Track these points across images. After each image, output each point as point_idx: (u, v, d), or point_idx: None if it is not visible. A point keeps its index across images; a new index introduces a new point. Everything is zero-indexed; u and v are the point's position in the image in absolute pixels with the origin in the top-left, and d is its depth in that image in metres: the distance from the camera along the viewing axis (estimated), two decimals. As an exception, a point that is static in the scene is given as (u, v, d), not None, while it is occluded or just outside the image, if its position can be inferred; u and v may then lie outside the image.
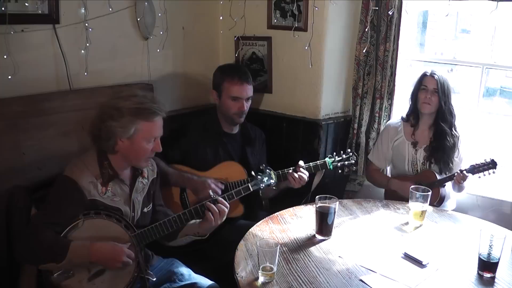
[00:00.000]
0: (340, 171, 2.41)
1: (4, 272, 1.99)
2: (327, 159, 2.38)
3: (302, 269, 1.72)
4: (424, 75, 2.57)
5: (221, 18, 3.10)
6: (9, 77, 2.16)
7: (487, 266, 1.69)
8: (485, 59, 2.86)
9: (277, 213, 2.18)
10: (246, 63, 3.12)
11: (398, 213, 2.24)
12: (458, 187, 2.49)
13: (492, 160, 2.38)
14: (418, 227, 2.09)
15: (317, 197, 1.95)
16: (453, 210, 2.56)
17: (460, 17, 3.17)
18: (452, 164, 2.54)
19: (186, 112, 3.02)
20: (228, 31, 3.10)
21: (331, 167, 2.37)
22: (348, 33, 2.93)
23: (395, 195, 2.56)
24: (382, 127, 2.91)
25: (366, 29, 2.79)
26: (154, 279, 1.89)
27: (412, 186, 2.14)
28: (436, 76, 2.52)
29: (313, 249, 1.87)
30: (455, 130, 2.56)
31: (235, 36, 3.10)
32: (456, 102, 2.64)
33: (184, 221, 1.91)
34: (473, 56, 2.99)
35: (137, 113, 1.76)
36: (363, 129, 3.00)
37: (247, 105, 2.44)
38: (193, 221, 1.95)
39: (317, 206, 1.94)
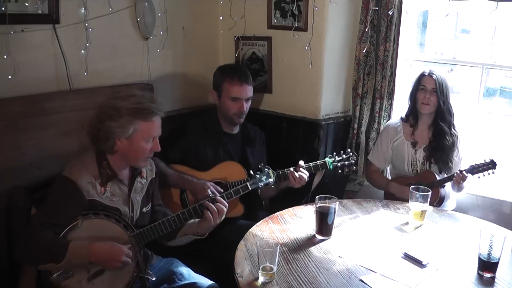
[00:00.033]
0: (340, 171, 2.41)
1: (4, 272, 1.99)
2: (327, 159, 2.38)
3: (302, 269, 1.72)
4: (422, 75, 2.57)
5: (221, 18, 3.10)
6: (9, 77, 2.16)
7: (487, 266, 1.68)
8: (485, 59, 2.86)
9: (277, 213, 2.18)
10: (246, 63, 3.12)
11: (398, 213, 2.24)
12: (458, 187, 2.49)
13: (492, 161, 2.38)
14: (418, 227, 2.09)
15: (317, 197, 1.95)
16: (453, 210, 2.56)
17: (460, 17, 3.17)
18: (452, 163, 2.54)
19: (186, 112, 3.02)
20: (228, 31, 3.10)
21: (331, 167, 2.37)
22: (348, 33, 2.93)
23: (395, 196, 2.56)
24: (382, 127, 2.91)
25: (366, 29, 2.79)
26: (154, 279, 1.89)
27: (412, 186, 2.14)
28: (434, 76, 2.52)
29: (313, 249, 1.87)
30: (454, 129, 2.56)
31: (235, 36, 3.10)
32: (456, 102, 2.65)
33: (183, 221, 1.91)
34: (473, 56, 2.99)
35: (136, 113, 1.76)
36: (363, 129, 3.00)
37: (246, 106, 2.44)
38: (192, 220, 1.95)
39: (317, 206, 1.94)
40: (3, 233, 1.97)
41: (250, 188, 2.09)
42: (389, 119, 2.93)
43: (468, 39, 3.22)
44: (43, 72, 2.32)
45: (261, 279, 1.63)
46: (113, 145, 1.79)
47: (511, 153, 2.85)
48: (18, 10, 2.15)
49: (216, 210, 1.90)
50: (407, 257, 1.81)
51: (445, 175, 2.55)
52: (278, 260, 1.66)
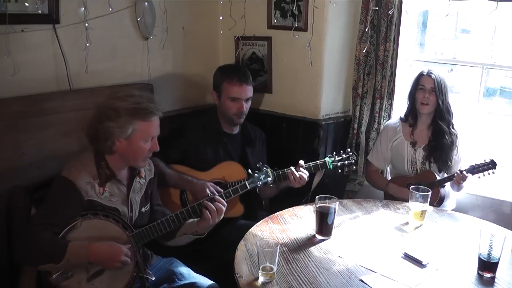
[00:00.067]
0: (340, 170, 2.41)
1: (4, 272, 1.99)
2: (327, 158, 2.38)
3: (302, 269, 1.72)
4: (421, 75, 2.58)
5: (221, 18, 3.10)
6: (9, 77, 2.16)
7: (487, 266, 1.68)
8: (485, 59, 2.86)
9: (277, 213, 2.18)
10: (246, 63, 3.12)
11: (398, 213, 2.24)
12: (458, 187, 2.49)
13: (492, 161, 2.38)
14: (418, 227, 2.09)
15: (317, 197, 1.95)
16: (453, 210, 2.56)
17: (460, 17, 3.17)
18: (451, 162, 2.55)
19: (186, 112, 3.02)
20: (228, 31, 3.10)
21: (331, 166, 2.37)
22: (348, 33, 2.93)
23: (394, 197, 2.56)
24: (382, 127, 2.91)
25: (366, 29, 2.79)
26: (153, 279, 1.89)
27: (412, 186, 2.14)
28: (433, 75, 2.53)
29: (313, 249, 1.87)
30: (453, 129, 2.57)
31: (235, 36, 3.10)
32: (456, 102, 2.65)
33: (182, 220, 1.92)
34: (473, 56, 2.99)
35: (134, 113, 1.76)
36: (363, 129, 3.00)
37: (246, 106, 2.44)
38: (191, 220, 1.95)
39: (317, 206, 1.94)
40: (3, 233, 1.98)
41: (248, 187, 2.09)
42: (389, 119, 2.94)
43: (468, 39, 3.22)
44: (43, 72, 2.32)
45: (261, 279, 1.63)
46: (112, 145, 1.79)
47: (511, 153, 2.85)
48: (18, 10, 2.15)
49: (215, 209, 1.90)
50: (407, 257, 1.81)
51: (445, 175, 2.55)
52: (278, 260, 1.66)
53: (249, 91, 2.43)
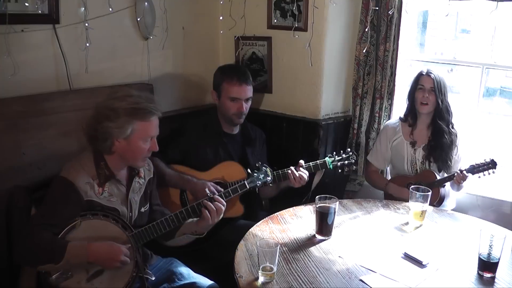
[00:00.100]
0: (340, 170, 2.41)
1: (4, 273, 1.99)
2: (327, 158, 2.38)
3: (302, 269, 1.72)
4: (420, 75, 2.58)
5: (221, 18, 3.10)
6: (9, 77, 2.16)
7: (487, 266, 1.68)
8: (485, 59, 2.86)
9: (277, 213, 2.18)
10: (246, 63, 3.12)
11: (398, 213, 2.23)
12: (458, 186, 2.49)
13: (492, 160, 2.38)
14: (418, 227, 2.09)
15: (317, 197, 1.95)
16: (453, 209, 2.56)
17: (460, 17, 3.17)
18: (451, 162, 2.55)
19: (186, 112, 3.02)
20: (228, 31, 3.10)
21: (331, 166, 2.37)
22: (348, 33, 2.93)
23: (394, 197, 2.56)
24: (382, 127, 2.91)
25: (366, 29, 2.79)
26: (153, 279, 1.89)
27: (412, 186, 2.14)
28: (432, 75, 2.53)
29: (313, 249, 1.87)
30: (453, 128, 2.57)
31: (235, 36, 3.10)
32: (456, 102, 2.65)
33: (181, 220, 1.92)
34: (473, 56, 2.99)
35: (133, 113, 1.76)
36: (363, 129, 3.01)
37: (246, 106, 2.44)
38: (191, 219, 1.95)
39: (317, 206, 1.94)
40: (3, 233, 1.98)
41: (248, 187, 2.09)
42: (389, 119, 2.94)
43: (468, 39, 3.22)
44: (43, 72, 2.32)
45: (261, 279, 1.63)
46: (111, 146, 1.79)
47: (511, 153, 2.85)
48: (18, 10, 2.16)
49: (214, 209, 1.90)
50: (407, 257, 1.81)
51: (445, 174, 2.55)
52: (278, 260, 1.65)
53: (249, 91, 2.43)
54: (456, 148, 2.57)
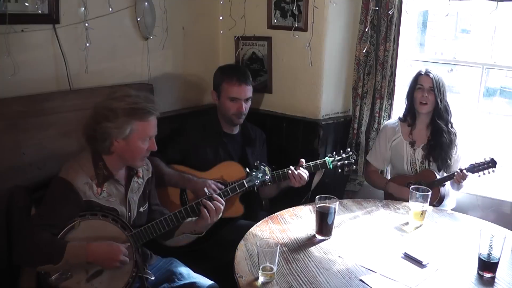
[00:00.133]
0: (340, 170, 2.41)
1: (4, 273, 1.99)
2: (327, 158, 2.37)
3: (302, 269, 1.72)
4: (419, 74, 2.58)
5: (221, 18, 3.10)
6: (9, 77, 2.16)
7: (487, 266, 1.68)
8: (485, 59, 2.86)
9: (277, 213, 2.18)
10: (246, 63, 3.12)
11: (398, 213, 2.23)
12: (458, 186, 2.49)
13: (492, 159, 2.38)
14: (418, 227, 2.09)
15: (317, 197, 1.95)
16: (453, 209, 2.56)
17: (460, 17, 3.17)
18: (451, 161, 2.55)
19: (186, 112, 3.02)
20: (228, 31, 3.10)
21: (331, 166, 2.37)
22: (348, 33, 2.93)
23: (394, 196, 2.56)
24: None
25: (366, 29, 2.79)
26: (153, 279, 1.89)
27: (412, 186, 2.14)
28: (431, 75, 2.53)
29: (313, 249, 1.87)
30: (452, 127, 2.57)
31: (235, 36, 3.10)
32: (456, 102, 2.65)
33: (180, 219, 1.92)
34: (473, 56, 2.99)
35: (132, 114, 1.76)
36: (363, 129, 3.01)
37: (246, 106, 2.44)
38: (190, 219, 1.95)
39: (317, 206, 1.94)
40: (3, 233, 1.97)
41: (246, 186, 2.09)
42: (389, 119, 2.94)
43: (468, 39, 3.22)
44: (43, 72, 2.32)
45: (261, 279, 1.63)
46: (110, 146, 1.79)
47: (511, 153, 2.85)
48: (18, 10, 2.16)
49: (213, 208, 1.90)
50: (407, 257, 1.81)
51: (445, 174, 2.55)
52: (278, 260, 1.65)
53: (248, 91, 2.43)
54: (455, 147, 2.57)
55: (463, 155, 2.60)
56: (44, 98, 2.26)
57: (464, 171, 2.39)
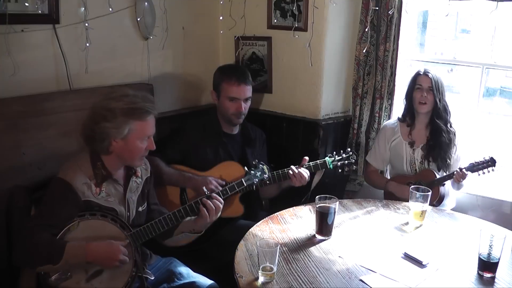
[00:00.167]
0: (340, 170, 2.41)
1: (4, 273, 1.98)
2: (327, 158, 2.37)
3: (302, 269, 1.72)
4: (417, 74, 2.58)
5: (221, 18, 3.10)
6: (9, 77, 2.16)
7: (487, 266, 1.68)
8: (485, 59, 2.86)
9: (277, 213, 2.18)
10: (246, 63, 3.12)
11: (398, 213, 2.23)
12: (458, 185, 2.49)
13: (491, 158, 2.38)
14: (418, 227, 2.09)
15: (317, 197, 1.95)
16: (453, 209, 2.56)
17: (460, 17, 3.17)
18: (450, 160, 2.55)
19: (186, 112, 3.02)
20: (228, 31, 3.10)
21: (331, 166, 2.36)
22: (348, 33, 2.93)
23: (394, 196, 2.56)
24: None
25: (366, 29, 2.79)
26: (153, 278, 1.90)
27: (412, 186, 2.14)
28: (430, 74, 2.53)
29: (313, 249, 1.87)
30: (451, 127, 2.57)
31: (235, 36, 3.10)
32: (456, 102, 2.65)
33: (179, 218, 1.92)
34: (473, 56, 2.99)
35: (130, 113, 1.76)
36: (363, 129, 3.01)
37: (245, 106, 2.44)
38: (189, 218, 1.95)
39: (317, 206, 1.94)
40: (3, 233, 1.97)
41: (245, 184, 2.09)
42: (389, 119, 2.94)
43: (468, 39, 3.22)
44: (43, 72, 2.32)
45: (261, 279, 1.63)
46: (108, 146, 1.79)
47: (511, 153, 2.85)
48: (18, 10, 2.16)
49: (213, 207, 1.90)
50: (407, 257, 1.81)
51: (444, 173, 2.55)
52: (278, 260, 1.65)
53: (247, 91, 2.43)
54: (455, 147, 2.57)
55: (462, 155, 2.60)
56: (44, 98, 2.26)
57: (464, 170, 2.40)
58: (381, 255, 1.83)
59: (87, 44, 2.43)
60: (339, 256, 1.82)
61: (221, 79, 2.43)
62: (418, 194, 2.08)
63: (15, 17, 2.13)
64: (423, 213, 2.10)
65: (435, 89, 2.51)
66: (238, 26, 3.04)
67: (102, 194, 1.81)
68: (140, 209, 1.95)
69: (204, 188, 2.01)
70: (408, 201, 2.15)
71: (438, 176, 2.52)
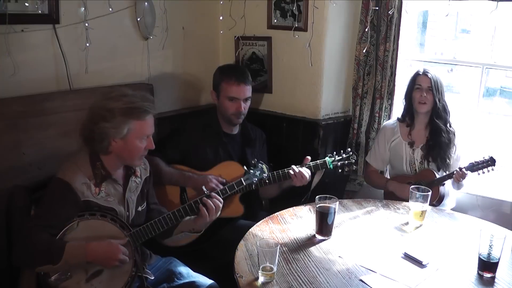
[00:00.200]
0: (340, 170, 2.40)
1: (4, 273, 1.98)
2: (327, 158, 2.37)
3: (302, 269, 1.72)
4: (417, 74, 2.58)
5: (221, 18, 3.10)
6: (9, 77, 2.16)
7: (487, 266, 1.68)
8: (485, 59, 2.86)
9: (277, 213, 2.18)
10: (246, 63, 3.12)
11: (398, 213, 2.23)
12: (458, 184, 2.49)
13: (491, 158, 2.38)
14: (418, 227, 2.09)
15: (317, 197, 1.95)
16: (453, 209, 2.56)
17: (460, 17, 3.18)
18: (449, 160, 2.55)
19: (186, 112, 3.02)
20: (228, 31, 3.10)
21: (331, 166, 2.36)
22: (348, 33, 2.93)
23: (394, 196, 2.56)
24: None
25: (366, 29, 2.79)
26: (152, 278, 1.90)
27: (412, 186, 2.14)
28: (429, 74, 2.54)
29: (313, 249, 1.87)
30: (450, 126, 2.57)
31: (235, 36, 3.10)
32: (456, 102, 2.65)
33: (179, 218, 1.92)
34: (473, 56, 2.99)
35: (129, 113, 1.76)
36: (363, 129, 3.01)
37: (245, 106, 2.43)
38: (188, 217, 1.95)
39: (317, 206, 1.94)
40: (3, 233, 1.97)
41: (244, 184, 2.09)
42: (389, 119, 2.94)
43: (468, 39, 3.22)
44: (43, 72, 2.32)
45: (261, 279, 1.63)
46: (108, 146, 1.78)
47: (511, 153, 2.85)
48: (18, 10, 2.15)
49: (213, 206, 1.91)
50: (407, 257, 1.81)
51: (444, 173, 2.55)
52: (278, 260, 1.65)
53: (247, 91, 2.43)
54: (454, 146, 2.57)
55: (462, 154, 2.60)
56: (44, 98, 2.26)
57: (464, 169, 2.40)
58: (381, 255, 1.83)
59: (87, 44, 2.43)
60: (339, 256, 1.82)
61: (221, 79, 2.43)
62: (418, 194, 2.08)
63: (15, 17, 2.13)
64: (423, 213, 2.10)
65: (434, 89, 2.52)
66: (238, 26, 3.04)
67: (101, 194, 1.81)
68: (139, 208, 1.95)
69: (203, 187, 2.01)
70: (408, 201, 2.15)
71: (438, 176, 2.52)
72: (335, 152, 2.39)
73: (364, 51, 2.85)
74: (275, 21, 2.96)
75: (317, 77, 2.90)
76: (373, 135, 2.97)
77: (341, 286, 1.62)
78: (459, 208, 2.64)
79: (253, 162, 2.17)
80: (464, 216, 2.26)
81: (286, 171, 2.30)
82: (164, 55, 2.89)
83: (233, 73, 2.42)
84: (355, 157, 2.44)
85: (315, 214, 1.97)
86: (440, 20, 3.14)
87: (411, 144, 2.63)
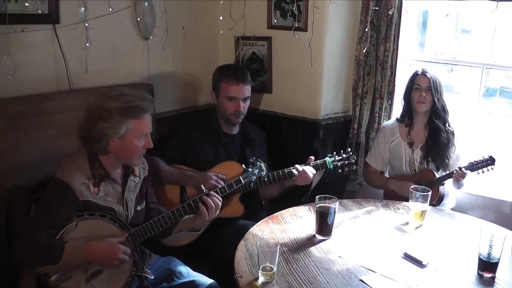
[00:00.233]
0: (340, 170, 2.41)
1: (4, 273, 1.98)
2: (327, 158, 2.37)
3: (302, 269, 1.72)
4: (416, 74, 2.59)
5: (221, 18, 3.10)
6: (9, 77, 2.16)
7: (487, 266, 1.68)
8: (485, 59, 2.86)
9: (277, 213, 2.18)
10: (246, 63, 3.12)
11: (398, 213, 2.23)
12: (457, 184, 2.50)
13: (491, 157, 2.38)
14: (418, 227, 2.09)
15: (317, 197, 1.95)
16: (453, 209, 2.56)
17: (460, 17, 3.18)
18: (449, 160, 2.55)
19: (185, 112, 3.03)
20: (228, 31, 3.10)
21: (331, 166, 2.36)
22: (348, 33, 2.93)
23: (394, 195, 2.56)
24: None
25: (366, 29, 2.79)
26: (152, 278, 1.89)
27: (412, 186, 2.14)
28: (428, 74, 2.54)
29: (313, 249, 1.87)
30: (449, 126, 2.57)
31: (235, 36, 3.10)
32: (456, 102, 2.65)
33: (178, 217, 1.92)
34: (473, 56, 2.99)
35: (127, 112, 1.76)
36: (363, 129, 3.01)
37: (244, 106, 2.43)
38: (187, 216, 1.95)
39: (317, 206, 1.94)
40: (3, 233, 1.97)
41: (243, 182, 2.09)
42: (389, 119, 2.94)
43: (468, 39, 3.22)
44: (43, 72, 2.32)
45: (261, 279, 1.63)
46: (106, 146, 1.78)
47: (511, 153, 2.85)
48: (18, 10, 2.16)
49: (213, 205, 1.91)
50: (407, 257, 1.81)
51: (443, 173, 2.55)
52: (278, 260, 1.65)
53: (246, 90, 2.42)
54: (453, 146, 2.57)
55: (462, 154, 2.60)
56: (44, 98, 2.26)
57: (463, 169, 2.40)
58: (381, 255, 1.83)
59: (87, 44, 2.43)
60: (339, 256, 1.82)
61: (220, 79, 2.43)
62: (418, 194, 2.08)
63: (15, 17, 2.13)
64: (423, 213, 2.10)
65: (433, 88, 2.52)
66: (238, 26, 3.04)
67: (100, 193, 1.81)
68: (138, 208, 1.95)
69: (202, 186, 2.01)
70: (408, 200, 2.15)
71: (437, 176, 2.52)
72: (335, 152, 2.39)
73: (364, 51, 2.85)
74: (275, 21, 2.96)
75: (317, 77, 2.90)
76: (373, 135, 2.97)
77: (341, 286, 1.63)
78: (459, 208, 2.64)
79: (251, 160, 2.16)
80: (464, 216, 2.26)
81: (286, 171, 2.30)
82: (164, 55, 2.89)
83: (232, 73, 2.42)
84: (355, 157, 2.44)
85: (315, 214, 1.97)
86: (440, 20, 3.14)
87: (411, 144, 2.63)
